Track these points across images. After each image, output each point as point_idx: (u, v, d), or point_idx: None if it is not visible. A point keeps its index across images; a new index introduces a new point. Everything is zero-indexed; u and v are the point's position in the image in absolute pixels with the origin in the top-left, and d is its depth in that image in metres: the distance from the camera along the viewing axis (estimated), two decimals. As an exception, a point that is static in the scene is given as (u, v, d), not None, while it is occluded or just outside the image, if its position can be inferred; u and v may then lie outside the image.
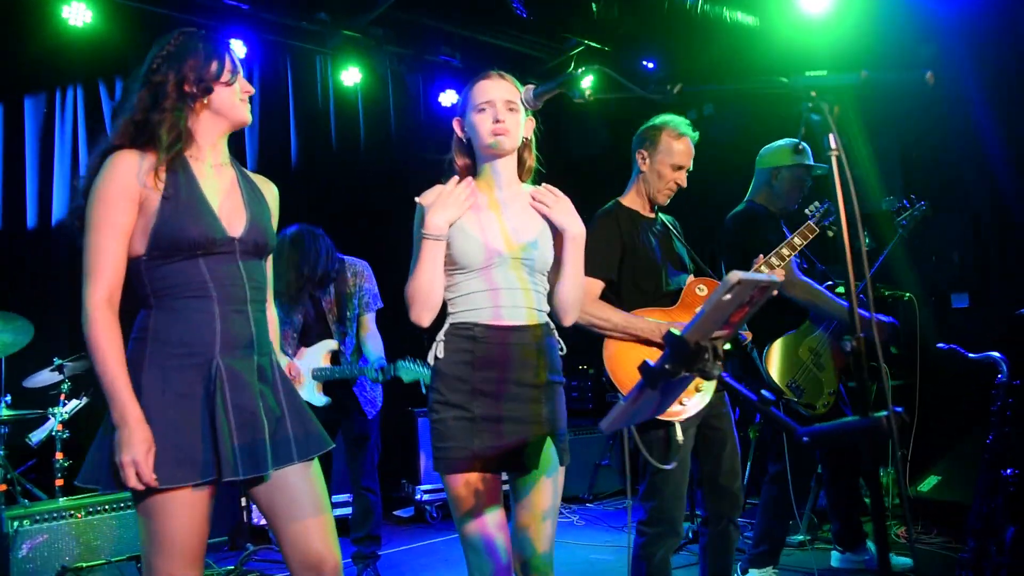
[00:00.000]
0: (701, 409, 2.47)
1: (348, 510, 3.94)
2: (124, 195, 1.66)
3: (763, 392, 1.16)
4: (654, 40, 5.99)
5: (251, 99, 1.87)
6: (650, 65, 6.12)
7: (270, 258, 1.94)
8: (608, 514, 4.99)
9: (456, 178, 1.94)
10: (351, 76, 6.05)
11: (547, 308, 2.00)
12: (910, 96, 5.20)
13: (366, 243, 4.55)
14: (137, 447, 1.58)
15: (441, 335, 1.93)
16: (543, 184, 1.99)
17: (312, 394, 3.52)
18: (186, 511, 1.65)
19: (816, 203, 3.05)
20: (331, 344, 3.57)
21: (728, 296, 1.12)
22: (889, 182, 5.20)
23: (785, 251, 2.78)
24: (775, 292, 2.53)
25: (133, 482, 1.58)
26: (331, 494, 4.12)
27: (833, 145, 1.28)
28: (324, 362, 3.56)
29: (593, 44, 6.15)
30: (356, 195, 6.06)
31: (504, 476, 1.96)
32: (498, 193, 2.00)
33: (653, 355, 2.48)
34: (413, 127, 6.50)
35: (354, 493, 3.70)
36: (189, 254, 1.70)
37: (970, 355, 2.83)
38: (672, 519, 2.47)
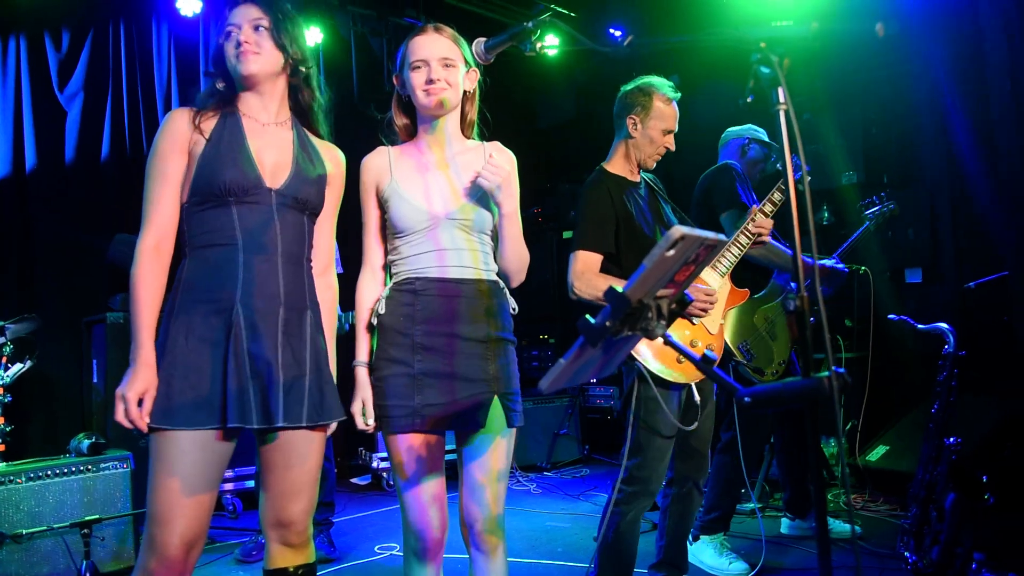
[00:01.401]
0: None
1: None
2: (174, 145, 1.75)
3: (705, 352, 1.13)
4: (621, 6, 5.93)
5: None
6: (617, 33, 6.04)
7: (326, 224, 1.93)
8: (566, 482, 5.02)
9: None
10: (312, 36, 5.89)
11: (495, 267, 1.98)
12: (873, 71, 5.23)
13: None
14: (134, 387, 1.62)
15: (384, 292, 1.91)
16: (491, 154, 1.93)
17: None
18: (189, 456, 1.63)
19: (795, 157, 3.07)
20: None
21: (671, 252, 1.10)
22: (851, 157, 5.24)
23: (768, 207, 2.79)
24: (748, 244, 2.60)
25: (120, 416, 1.63)
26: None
27: (782, 99, 1.25)
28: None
29: (560, 9, 6.05)
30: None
31: (451, 444, 1.94)
32: (439, 152, 1.97)
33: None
34: (376, 90, 6.36)
35: (308, 459, 3.65)
36: (222, 200, 1.72)
37: (920, 326, 2.87)
38: (649, 479, 2.47)
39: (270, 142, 1.81)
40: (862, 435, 4.33)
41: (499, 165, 1.86)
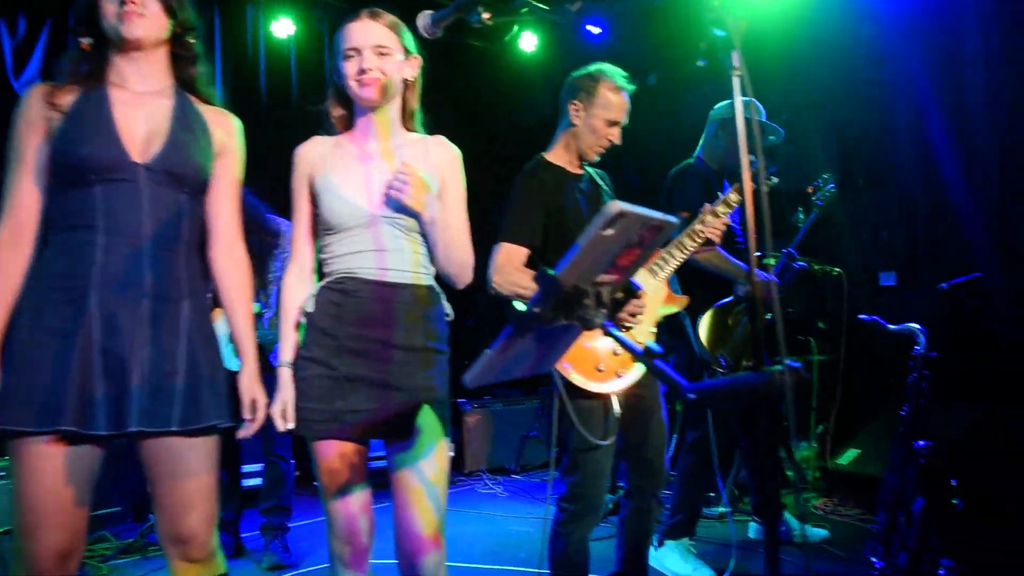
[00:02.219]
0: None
1: (261, 480, 3.76)
2: (28, 126, 1.61)
3: (647, 344, 1.04)
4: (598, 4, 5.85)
5: None
6: (596, 30, 5.96)
7: (222, 198, 1.77)
8: (533, 486, 4.91)
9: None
10: (283, 28, 5.76)
11: (432, 270, 1.87)
12: (849, 72, 5.19)
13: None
14: None
15: (313, 290, 1.81)
16: (402, 163, 1.78)
17: (229, 358, 3.32)
18: (39, 461, 1.50)
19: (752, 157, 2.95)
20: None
21: (609, 231, 1.00)
22: (826, 159, 5.20)
23: (721, 208, 2.65)
24: (694, 247, 2.47)
25: None
26: (242, 463, 3.98)
27: (736, 64, 1.16)
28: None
29: (535, 3, 5.96)
30: (287, 152, 5.78)
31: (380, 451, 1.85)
32: (377, 145, 1.85)
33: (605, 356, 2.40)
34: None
35: (265, 461, 3.53)
36: (82, 179, 1.56)
37: (891, 326, 2.80)
38: (592, 496, 2.36)
39: (143, 113, 1.64)
40: (833, 438, 4.27)
41: (408, 177, 1.71)
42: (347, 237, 1.78)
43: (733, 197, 2.68)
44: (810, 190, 3.70)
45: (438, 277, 1.89)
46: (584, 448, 2.31)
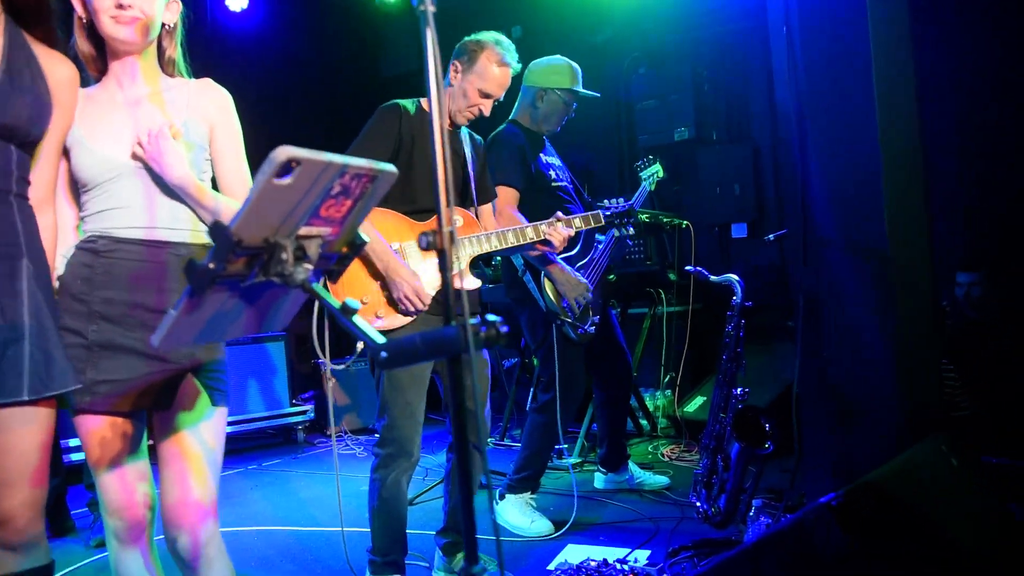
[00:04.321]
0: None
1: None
2: None
3: (346, 301, 0.96)
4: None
5: None
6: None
7: (52, 149, 1.59)
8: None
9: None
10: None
11: (194, 227, 1.70)
12: (704, 28, 5.25)
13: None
14: None
15: (66, 252, 1.64)
16: (148, 131, 1.63)
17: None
18: None
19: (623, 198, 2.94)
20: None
21: (284, 180, 0.91)
22: (681, 112, 5.26)
23: (576, 223, 2.65)
24: (530, 240, 2.43)
25: None
26: (64, 437, 3.74)
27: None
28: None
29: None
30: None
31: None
32: (132, 92, 1.68)
33: (372, 291, 2.33)
34: (197, 32, 5.84)
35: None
36: None
37: (712, 277, 2.85)
38: (402, 439, 2.32)
39: None
40: (681, 387, 4.41)
41: (160, 142, 1.59)
42: (98, 193, 1.62)
43: (578, 222, 2.66)
44: (640, 165, 3.71)
45: None
46: (394, 389, 2.29)
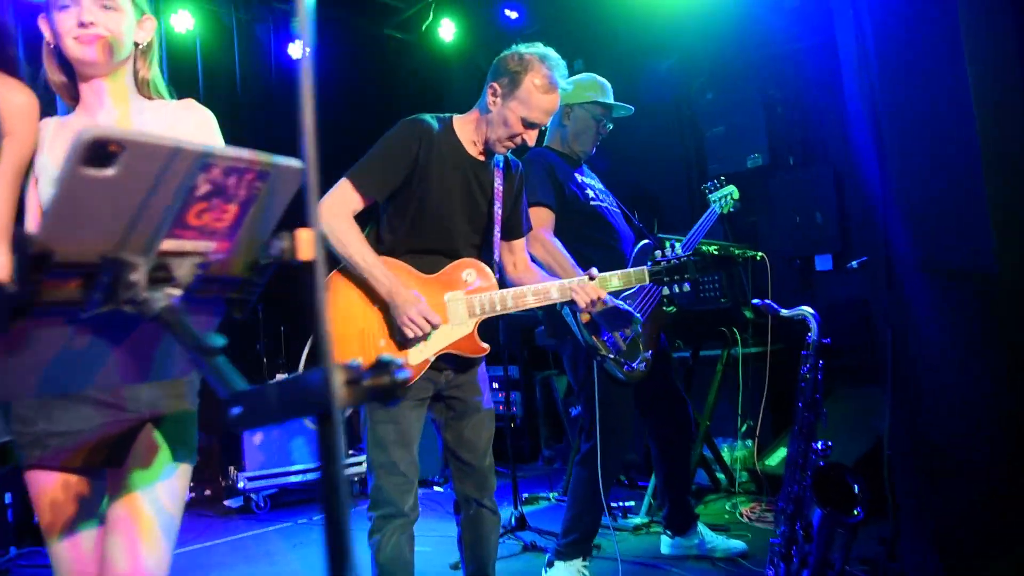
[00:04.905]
0: (425, 372, 2.07)
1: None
2: None
3: (205, 339, 0.71)
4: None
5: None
6: (513, 15, 5.63)
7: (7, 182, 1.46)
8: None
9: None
10: (183, 21, 5.41)
11: None
12: (774, 46, 4.90)
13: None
14: None
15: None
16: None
17: None
18: None
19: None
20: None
21: (104, 172, 0.66)
22: (753, 137, 4.90)
23: (600, 284, 2.25)
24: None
25: None
26: None
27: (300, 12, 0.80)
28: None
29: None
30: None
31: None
32: (111, 114, 1.55)
33: (362, 312, 2.08)
34: (261, 79, 5.91)
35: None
36: None
37: (783, 311, 2.47)
38: (392, 500, 2.06)
39: None
40: (761, 437, 3.95)
41: None
42: None
43: (625, 284, 2.32)
44: (708, 187, 3.38)
45: None
46: (374, 444, 2.07)
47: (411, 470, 2.09)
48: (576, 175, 2.91)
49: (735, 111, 4.96)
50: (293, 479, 4.59)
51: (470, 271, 2.15)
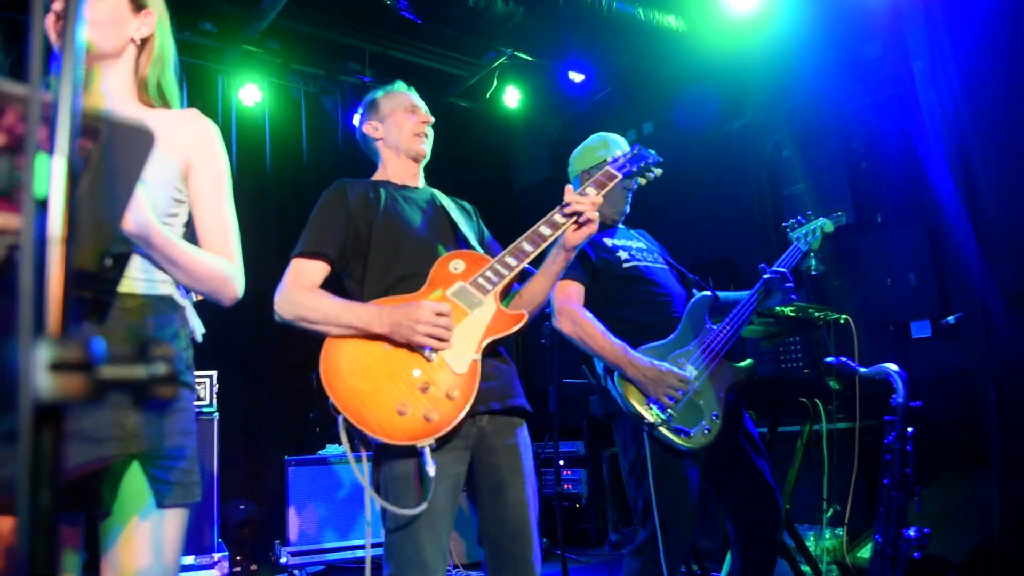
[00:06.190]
0: (461, 426, 1.72)
1: None
2: None
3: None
4: (581, 49, 5.44)
5: None
6: (579, 77, 5.53)
7: None
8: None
9: None
10: (250, 95, 5.55)
11: (164, 277, 1.39)
12: (856, 98, 4.59)
13: (273, 273, 3.95)
14: None
15: None
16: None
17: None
18: None
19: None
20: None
21: None
22: (836, 195, 4.54)
23: (597, 186, 2.00)
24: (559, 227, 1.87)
25: None
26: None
27: None
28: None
29: (519, 54, 5.60)
30: (267, 222, 5.47)
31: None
32: None
33: (376, 355, 1.77)
34: (327, 150, 5.99)
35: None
36: None
37: (862, 369, 2.11)
38: None
39: None
40: (851, 525, 3.45)
41: None
42: None
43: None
44: (788, 225, 3.04)
45: None
46: (396, 527, 1.71)
47: (440, 559, 1.74)
48: (605, 240, 2.64)
49: (815, 168, 4.63)
50: (347, 555, 4.31)
51: (456, 262, 1.90)
